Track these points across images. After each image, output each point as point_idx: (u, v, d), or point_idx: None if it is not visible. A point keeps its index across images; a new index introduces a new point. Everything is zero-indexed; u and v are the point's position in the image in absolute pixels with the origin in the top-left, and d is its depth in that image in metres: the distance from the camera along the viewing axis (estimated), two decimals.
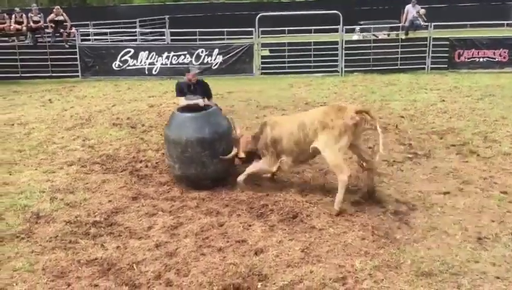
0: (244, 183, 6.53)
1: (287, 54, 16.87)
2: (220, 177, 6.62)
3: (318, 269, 4.51)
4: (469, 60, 16.55)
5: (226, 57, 16.76)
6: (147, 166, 7.57)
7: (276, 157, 6.42)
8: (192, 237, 5.20)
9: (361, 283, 4.32)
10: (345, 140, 5.82)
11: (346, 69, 16.65)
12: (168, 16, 26.82)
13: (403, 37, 17.17)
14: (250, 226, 5.43)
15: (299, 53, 16.83)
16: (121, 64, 16.64)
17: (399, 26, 18.03)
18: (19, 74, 16.51)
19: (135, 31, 21.44)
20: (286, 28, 18.07)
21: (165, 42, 17.67)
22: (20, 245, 5.10)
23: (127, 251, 4.96)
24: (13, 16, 16.74)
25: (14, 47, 16.78)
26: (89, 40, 18.43)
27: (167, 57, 16.72)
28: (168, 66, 16.75)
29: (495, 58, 16.50)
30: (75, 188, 6.74)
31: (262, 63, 17.03)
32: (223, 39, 19.00)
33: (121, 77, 16.31)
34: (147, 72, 16.68)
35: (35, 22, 16.79)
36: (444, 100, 11.97)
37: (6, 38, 17.30)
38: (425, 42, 16.58)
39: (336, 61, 16.69)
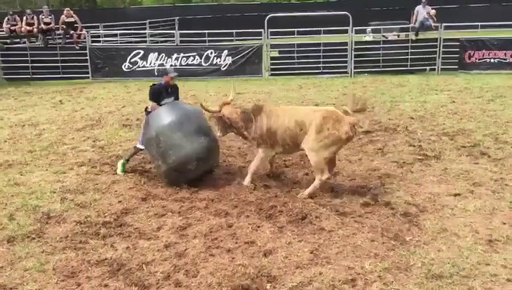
0: (251, 184, 6.56)
1: (296, 55, 16.86)
2: (203, 156, 6.59)
3: (327, 271, 4.49)
4: (480, 61, 16.43)
5: (235, 58, 16.79)
6: None
7: (271, 147, 6.49)
8: (201, 238, 5.21)
9: (371, 285, 4.30)
10: (333, 149, 6.16)
11: (355, 70, 16.61)
12: (177, 18, 26.90)
13: (413, 38, 17.07)
14: (259, 227, 5.42)
15: (308, 54, 16.81)
16: (131, 66, 16.74)
17: (409, 27, 17.93)
18: (30, 75, 16.68)
19: (145, 33, 21.55)
20: (295, 29, 18.05)
21: (175, 44, 17.73)
22: (31, 245, 5.14)
23: (136, 251, 4.98)
24: (24, 18, 16.88)
25: (25, 48, 16.95)
26: (99, 41, 18.55)
27: (176, 58, 16.79)
28: (178, 67, 16.77)
29: (506, 59, 16.35)
30: (85, 188, 6.78)
31: (272, 64, 17.04)
32: (232, 40, 19.03)
33: (131, 78, 16.41)
34: (156, 74, 16.73)
35: (46, 23, 16.91)
36: (454, 101, 11.89)
37: (18, 40, 17.46)
38: (436, 43, 16.49)
39: (346, 62, 16.65)
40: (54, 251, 5.00)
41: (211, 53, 16.82)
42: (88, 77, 16.70)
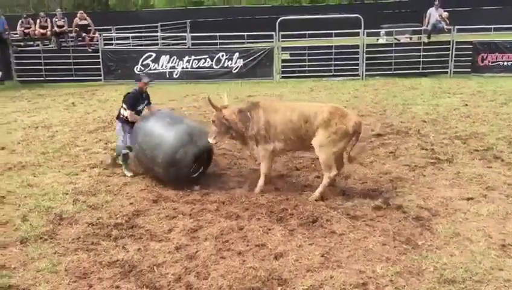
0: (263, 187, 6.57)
1: (307, 57, 16.82)
2: (187, 141, 6.69)
3: (338, 275, 4.48)
4: (493, 64, 16.27)
5: (246, 60, 16.79)
6: None
7: (269, 141, 6.43)
8: (212, 240, 5.22)
9: (383, 289, 4.28)
10: (342, 145, 6.18)
11: (367, 73, 16.53)
12: (189, 20, 27.02)
13: (426, 40, 16.96)
14: (269, 230, 5.42)
15: (319, 57, 16.77)
16: (143, 68, 16.82)
17: (421, 29, 17.83)
18: (43, 77, 16.84)
19: (157, 36, 21.67)
20: (307, 32, 18.04)
21: (186, 46, 17.81)
22: (43, 246, 5.19)
23: (147, 253, 5.00)
24: (38, 21, 17.04)
25: (38, 51, 17.12)
26: (112, 44, 18.68)
27: (188, 61, 16.85)
28: (189, 69, 16.87)
29: None
30: (97, 190, 6.83)
31: (283, 66, 17.02)
32: (244, 43, 19.06)
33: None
34: (167, 76, 16.83)
35: (59, 26, 17.06)
36: (467, 104, 11.79)
37: (32, 43, 17.63)
38: (448, 46, 16.37)
39: (357, 65, 16.59)
40: (66, 252, 5.05)
41: (222, 56, 16.85)
42: (100, 80, 16.81)
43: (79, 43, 17.35)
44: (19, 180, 7.26)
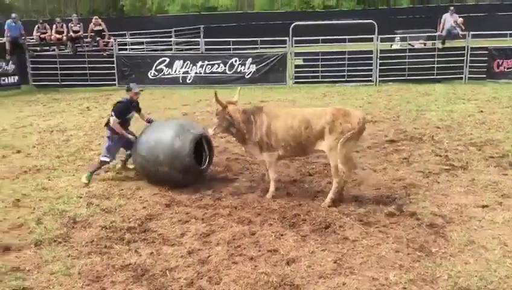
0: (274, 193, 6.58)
1: (320, 63, 16.81)
2: (180, 130, 6.95)
3: (351, 281, 4.45)
4: (508, 70, 16.08)
5: (259, 66, 16.83)
6: None
7: (272, 148, 6.43)
8: (224, 245, 5.22)
9: None
10: (350, 145, 6.11)
11: (380, 78, 16.47)
12: (202, 26, 27.18)
13: (440, 46, 16.84)
14: (282, 235, 5.41)
15: (332, 62, 16.74)
16: (156, 73, 16.96)
17: (436, 35, 17.72)
18: (59, 82, 17.06)
19: (170, 41, 21.82)
20: (320, 38, 18.03)
21: (200, 51, 17.91)
22: (57, 249, 5.23)
23: (160, 257, 5.01)
24: (54, 26, 17.28)
25: (54, 56, 17.35)
26: (126, 49, 18.86)
27: (201, 66, 16.94)
28: (202, 75, 16.96)
29: None
30: (111, 194, 6.88)
31: (296, 72, 17.02)
32: (257, 48, 19.10)
33: (156, 85, 16.60)
34: (181, 81, 16.93)
35: (75, 31, 17.29)
36: (482, 111, 11.66)
37: (47, 48, 17.87)
38: (463, 52, 16.24)
39: (370, 70, 16.53)
40: (80, 255, 5.08)
41: (235, 61, 16.91)
42: (115, 84, 16.97)
43: (94, 48, 17.55)
44: (34, 183, 7.34)
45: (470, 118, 10.98)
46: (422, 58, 16.63)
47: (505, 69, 16.10)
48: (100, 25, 17.52)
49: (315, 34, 18.48)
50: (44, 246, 5.29)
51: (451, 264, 4.74)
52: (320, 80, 16.71)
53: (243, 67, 16.89)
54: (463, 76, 16.29)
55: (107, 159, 7.44)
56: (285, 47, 16.96)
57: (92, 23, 17.48)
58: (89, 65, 17.02)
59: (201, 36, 24.67)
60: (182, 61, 17.00)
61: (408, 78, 16.31)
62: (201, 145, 7.23)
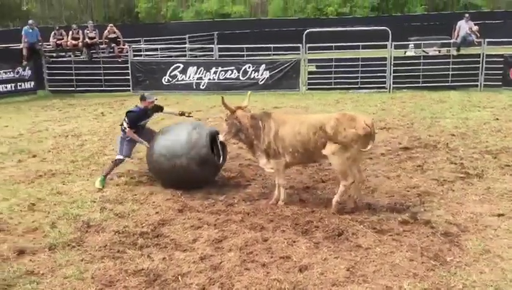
0: (286, 199, 6.56)
1: (333, 69, 16.77)
2: (196, 124, 7.37)
3: None
4: None
5: (272, 72, 16.85)
6: None
7: (280, 154, 6.39)
8: (236, 251, 5.21)
9: None
10: (354, 149, 6.01)
11: (394, 85, 16.37)
12: (216, 32, 27.31)
13: (455, 53, 16.71)
14: (294, 242, 5.38)
15: (346, 69, 16.70)
16: (170, 79, 17.07)
17: (450, 42, 17.60)
18: (74, 87, 17.26)
19: (184, 47, 21.96)
20: (333, 44, 18.03)
21: (213, 58, 17.98)
22: (71, 253, 5.27)
23: (172, 262, 5.02)
24: (70, 32, 17.50)
25: (70, 62, 17.56)
26: (141, 55, 19.02)
27: (215, 72, 17.01)
28: (216, 81, 17.03)
29: None
30: (124, 199, 6.93)
31: (309, 78, 17.01)
32: (270, 55, 19.13)
33: (170, 91, 16.70)
34: (194, 87, 17.02)
35: (90, 38, 17.49)
36: (497, 118, 11.53)
37: (63, 54, 18.11)
38: (478, 59, 16.09)
39: (384, 77, 16.45)
40: (93, 260, 5.11)
41: (249, 67, 16.95)
42: (129, 90, 17.11)
43: (109, 54, 17.74)
44: (49, 187, 7.42)
45: (485, 125, 10.86)
46: (436, 65, 16.50)
47: None
48: (115, 32, 17.71)
49: (328, 40, 18.48)
50: (58, 250, 5.34)
51: (466, 273, 4.68)
52: (333, 86, 16.66)
53: (256, 73, 16.93)
54: (478, 83, 16.13)
55: (122, 157, 7.59)
56: (299, 53, 16.96)
57: (106, 31, 17.67)
58: (104, 71, 17.21)
59: (215, 42, 24.79)
60: (195, 68, 17.10)
61: (422, 85, 16.20)
62: (216, 143, 7.33)
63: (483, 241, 5.34)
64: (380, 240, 5.38)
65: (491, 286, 4.45)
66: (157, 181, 7.60)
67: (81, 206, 6.64)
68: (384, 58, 16.48)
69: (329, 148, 6.04)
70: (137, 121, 7.45)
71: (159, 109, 7.79)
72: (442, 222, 5.86)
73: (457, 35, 16.97)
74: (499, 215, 6.03)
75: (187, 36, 24.92)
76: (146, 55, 19.47)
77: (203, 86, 17.06)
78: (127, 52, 17.48)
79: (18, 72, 16.81)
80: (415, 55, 18.45)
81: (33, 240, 5.62)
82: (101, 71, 17.21)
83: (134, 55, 17.83)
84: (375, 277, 4.64)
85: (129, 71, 17.10)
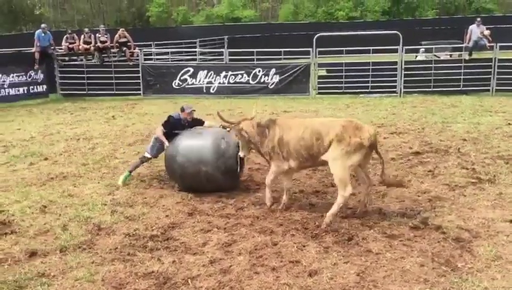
0: (270, 202, 6.57)
1: (344, 74, 16.75)
2: (224, 133, 7.23)
3: None
4: None
5: (282, 76, 16.87)
6: None
7: (284, 160, 6.36)
8: (246, 255, 5.21)
9: None
10: (356, 158, 5.91)
11: (405, 90, 16.31)
12: (227, 36, 27.41)
13: (466, 57, 16.61)
14: (304, 246, 5.37)
15: (356, 73, 16.66)
16: (181, 83, 17.15)
17: (462, 46, 17.50)
18: (85, 91, 17.40)
19: (195, 51, 22.06)
20: (344, 49, 18.00)
21: (223, 62, 18.04)
22: (81, 255, 5.31)
23: (182, 265, 5.03)
24: (82, 36, 17.67)
25: (82, 66, 17.72)
26: (151, 59, 19.15)
27: (225, 76, 17.07)
28: (226, 85, 17.08)
29: None
30: (135, 202, 6.96)
31: (319, 83, 16.99)
32: (280, 59, 19.16)
33: (180, 95, 16.77)
34: (204, 91, 17.08)
35: (102, 42, 17.64)
36: (510, 123, 11.41)
37: (75, 58, 18.28)
38: (490, 63, 15.97)
39: (395, 82, 16.39)
40: (103, 262, 5.14)
41: (259, 71, 16.98)
42: (140, 94, 17.23)
43: (120, 58, 17.88)
44: (60, 190, 7.48)
45: (497, 130, 10.76)
46: (448, 70, 16.41)
47: None
48: (125, 37, 17.84)
49: (339, 45, 18.48)
50: (69, 252, 5.38)
51: (478, 279, 4.63)
52: (343, 90, 16.64)
53: (266, 77, 16.96)
54: (490, 88, 16.01)
55: (149, 156, 7.78)
56: (309, 58, 16.96)
57: (117, 35, 17.82)
58: (115, 75, 17.34)
59: (225, 46, 24.89)
60: (206, 72, 17.16)
61: (433, 89, 16.11)
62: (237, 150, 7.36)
63: (495, 247, 5.28)
64: (390, 245, 5.35)
65: None
66: (168, 184, 7.64)
67: (92, 208, 6.68)
68: (395, 63, 16.43)
69: (331, 154, 5.95)
70: (171, 127, 7.52)
71: (199, 122, 7.85)
72: (453, 227, 5.81)
73: (469, 40, 16.86)
74: (511, 221, 5.96)
75: (197, 40, 25.05)
76: (157, 59, 19.59)
77: (213, 89, 17.12)
78: (137, 56, 17.59)
79: (30, 76, 17.01)
80: (426, 59, 18.35)
81: (44, 242, 5.66)
82: (112, 75, 17.34)
83: (145, 59, 17.96)
84: (385, 282, 4.61)
85: (140, 75, 17.21)
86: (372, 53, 17.85)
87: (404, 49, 16.32)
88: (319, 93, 16.82)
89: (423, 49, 19.65)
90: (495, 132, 10.65)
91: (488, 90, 16.01)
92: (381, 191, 7.06)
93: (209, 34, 28.08)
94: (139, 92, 17.27)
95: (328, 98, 16.22)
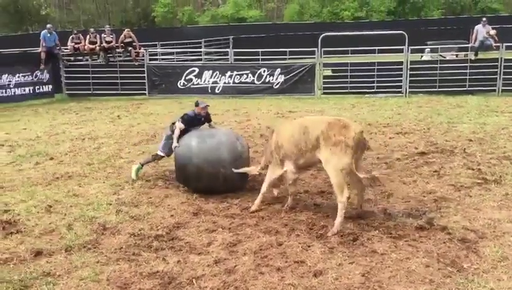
0: (257, 207, 6.56)
1: (349, 74, 16.72)
2: (238, 135, 7.48)
3: None
4: None
5: (287, 76, 16.86)
6: None
7: (281, 164, 6.39)
8: (250, 255, 5.20)
9: None
10: (346, 160, 5.70)
11: (410, 90, 16.26)
12: (232, 36, 27.42)
13: (472, 57, 16.54)
14: (309, 247, 5.36)
15: (362, 73, 16.64)
16: (186, 83, 17.18)
17: (468, 46, 17.42)
18: (91, 91, 17.46)
19: (200, 51, 22.08)
20: (349, 48, 17.96)
21: (229, 62, 18.05)
22: (86, 255, 5.31)
23: (187, 265, 5.03)
24: (88, 36, 17.72)
25: (87, 66, 17.78)
26: (157, 59, 19.18)
27: (230, 76, 17.08)
28: (231, 85, 17.09)
29: None
30: (140, 201, 6.96)
31: (324, 83, 16.97)
32: (285, 59, 19.15)
33: (185, 95, 16.79)
34: (210, 91, 17.10)
35: (107, 42, 17.69)
36: None
37: (81, 58, 18.35)
38: (496, 63, 15.90)
39: (400, 82, 16.35)
40: (108, 262, 5.14)
41: (264, 71, 16.98)
42: (145, 94, 17.27)
43: (125, 58, 17.92)
44: (66, 190, 7.50)
45: (503, 130, 10.71)
46: (453, 70, 16.35)
47: None
48: (131, 37, 17.88)
49: (344, 45, 18.45)
50: (74, 252, 5.38)
51: (484, 280, 4.60)
52: (349, 90, 16.61)
53: (271, 77, 16.95)
54: (496, 88, 15.94)
55: (162, 154, 7.82)
56: (314, 58, 16.94)
57: (122, 35, 17.86)
58: (120, 75, 17.39)
59: (231, 46, 24.90)
60: (211, 71, 17.19)
61: (439, 89, 16.06)
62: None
63: (501, 248, 5.25)
64: (395, 246, 5.33)
65: None
66: (173, 184, 7.64)
67: (97, 208, 6.69)
68: (401, 63, 16.40)
69: (322, 155, 5.86)
70: (190, 122, 7.55)
71: (210, 119, 7.90)
72: (459, 228, 5.78)
73: (475, 40, 16.79)
74: None
75: (203, 40, 25.08)
76: (162, 59, 19.64)
77: (218, 89, 17.14)
78: (143, 56, 17.63)
79: (36, 76, 17.09)
80: (431, 59, 18.29)
81: (50, 242, 5.67)
82: (118, 75, 17.39)
83: (151, 59, 18.00)
84: (390, 282, 4.59)
85: (145, 75, 17.26)
86: (378, 53, 17.82)
87: (409, 49, 16.28)
88: (324, 93, 16.80)
89: (429, 49, 19.60)
90: (501, 132, 10.59)
91: (494, 90, 15.94)
92: (387, 192, 7.04)
93: (215, 34, 28.12)
94: (144, 92, 17.31)
95: (333, 98, 16.19)
